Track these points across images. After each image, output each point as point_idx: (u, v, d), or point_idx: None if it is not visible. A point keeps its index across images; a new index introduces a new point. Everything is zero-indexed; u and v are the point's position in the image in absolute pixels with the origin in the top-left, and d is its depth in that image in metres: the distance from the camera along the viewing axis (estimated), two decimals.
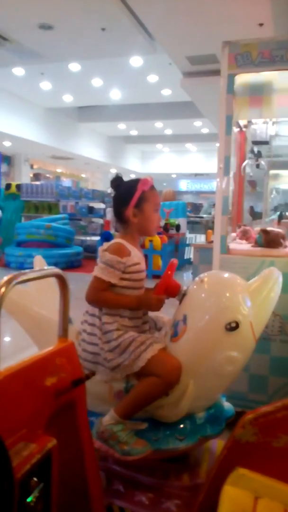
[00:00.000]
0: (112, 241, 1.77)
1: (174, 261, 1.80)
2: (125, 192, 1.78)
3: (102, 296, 1.71)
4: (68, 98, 12.20)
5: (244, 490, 1.17)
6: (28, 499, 1.02)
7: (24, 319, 1.93)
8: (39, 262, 2.10)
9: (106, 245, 1.75)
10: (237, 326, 1.56)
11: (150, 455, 1.61)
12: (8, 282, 1.10)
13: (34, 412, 1.18)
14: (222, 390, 1.76)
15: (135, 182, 1.78)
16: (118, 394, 1.71)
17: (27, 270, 1.24)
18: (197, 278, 1.75)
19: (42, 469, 1.08)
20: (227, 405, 1.84)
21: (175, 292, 1.74)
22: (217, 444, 1.97)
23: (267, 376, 2.44)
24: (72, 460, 1.41)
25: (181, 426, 1.67)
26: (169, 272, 1.74)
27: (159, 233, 8.04)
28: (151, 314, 1.88)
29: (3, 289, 1.08)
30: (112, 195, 1.85)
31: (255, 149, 3.42)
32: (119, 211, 1.80)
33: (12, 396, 1.11)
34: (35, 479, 1.04)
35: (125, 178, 1.86)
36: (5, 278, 1.11)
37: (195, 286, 1.72)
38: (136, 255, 1.76)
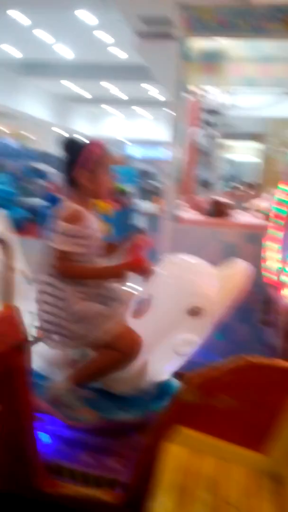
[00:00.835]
0: (66, 207, 1.72)
1: (148, 239, 1.79)
2: (75, 154, 1.72)
3: (73, 269, 1.68)
4: (10, 50, 11.45)
5: (183, 447, 1.23)
6: None
7: None
8: (1, 218, 2.01)
9: (60, 212, 1.70)
10: (199, 311, 1.61)
11: (97, 424, 1.65)
12: None
13: None
14: (174, 369, 1.82)
15: (85, 144, 1.73)
16: (73, 362, 1.73)
17: None
18: (166, 259, 1.77)
19: None
20: (173, 381, 1.90)
21: (144, 271, 1.74)
22: None
23: (209, 339, 2.53)
24: (12, 422, 1.42)
25: (131, 399, 1.72)
26: (140, 250, 1.73)
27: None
28: (116, 286, 1.86)
29: None
30: (63, 157, 1.78)
31: (208, 118, 3.42)
32: (70, 174, 1.74)
33: None
34: None
35: (75, 141, 1.80)
36: None
37: (164, 267, 1.75)
38: (92, 220, 1.73)
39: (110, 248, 1.85)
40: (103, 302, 1.76)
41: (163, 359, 1.70)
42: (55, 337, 1.69)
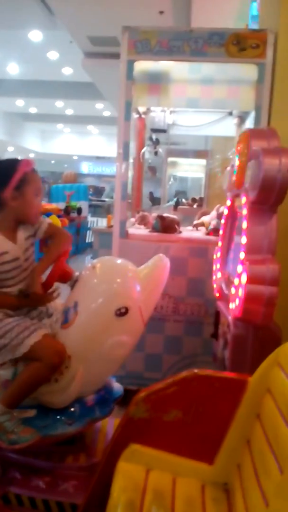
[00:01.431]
0: None
1: (67, 247, 1.77)
2: (4, 172, 1.64)
3: None
4: None
5: (137, 465, 1.24)
6: None
7: None
8: None
9: None
10: (126, 311, 1.61)
11: (38, 442, 1.59)
12: None
13: None
14: (111, 373, 1.81)
15: (15, 162, 1.66)
16: (5, 383, 1.66)
17: None
18: (89, 264, 1.77)
19: None
20: (116, 385, 1.89)
21: (67, 278, 1.74)
22: (114, 423, 2.03)
23: (161, 354, 2.56)
24: None
25: (70, 410, 1.68)
26: (62, 258, 1.72)
27: (59, 216, 7.89)
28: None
29: None
30: None
31: (154, 136, 3.50)
32: None
33: None
34: None
35: (24, 157, 1.75)
36: None
37: (87, 272, 1.74)
38: (3, 244, 1.65)
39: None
40: (26, 316, 1.71)
41: (98, 365, 1.68)
42: None
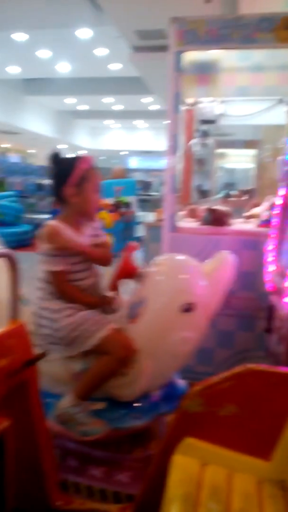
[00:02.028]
0: (45, 227, 1.71)
1: (133, 244, 1.80)
2: (65, 170, 1.70)
3: (67, 290, 1.70)
4: (13, 69, 11.67)
5: (192, 458, 1.24)
6: None
7: None
8: None
9: (40, 232, 1.71)
10: (192, 307, 1.62)
11: (107, 434, 1.65)
12: None
13: None
14: (177, 369, 1.82)
15: (75, 160, 1.71)
16: (77, 375, 1.73)
17: None
18: (154, 261, 1.79)
19: None
20: (180, 382, 1.91)
21: (133, 274, 1.76)
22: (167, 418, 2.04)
23: (213, 348, 2.54)
24: (26, 439, 1.42)
25: (137, 404, 1.73)
26: (128, 255, 1.75)
27: (109, 211, 7.99)
28: (108, 294, 1.87)
29: None
30: (50, 172, 1.75)
31: (203, 127, 3.46)
32: (58, 189, 1.72)
33: None
34: None
35: (75, 154, 1.80)
36: None
37: (152, 269, 1.76)
38: (70, 235, 1.71)
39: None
40: (95, 310, 1.77)
41: (164, 361, 1.70)
42: (53, 348, 1.71)
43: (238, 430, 1.25)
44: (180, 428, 1.29)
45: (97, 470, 1.74)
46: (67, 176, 1.68)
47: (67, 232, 1.70)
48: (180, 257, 1.82)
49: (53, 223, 1.71)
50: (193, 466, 1.22)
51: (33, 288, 1.94)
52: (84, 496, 1.66)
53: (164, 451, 1.29)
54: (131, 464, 1.75)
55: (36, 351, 1.65)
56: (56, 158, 1.74)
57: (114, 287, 1.76)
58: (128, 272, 1.75)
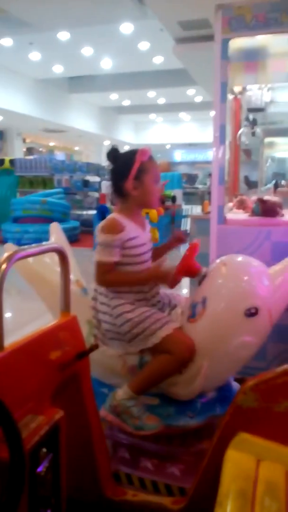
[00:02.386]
0: (107, 218, 1.73)
1: (196, 242, 1.76)
2: (124, 165, 1.72)
3: (111, 278, 1.70)
4: (58, 69, 11.91)
5: (246, 454, 1.21)
6: (38, 469, 1.06)
7: (42, 286, 1.93)
8: (55, 230, 2.08)
9: (101, 223, 1.72)
10: (256, 312, 1.58)
11: (161, 431, 1.65)
12: (9, 258, 1.10)
13: (40, 385, 1.20)
14: (234, 372, 1.79)
15: (133, 153, 1.72)
16: (132, 369, 1.74)
17: (26, 246, 1.24)
18: (218, 261, 1.76)
19: (51, 439, 1.11)
20: (235, 385, 1.88)
21: (195, 273, 1.73)
22: None
23: (267, 343, 2.47)
24: (79, 430, 1.45)
25: (193, 404, 1.71)
26: (189, 253, 1.72)
27: None
28: (167, 290, 1.86)
29: (4, 266, 1.08)
30: (109, 168, 1.79)
31: (251, 116, 3.37)
32: (118, 184, 1.74)
33: (17, 370, 1.13)
34: (44, 449, 1.08)
35: (120, 150, 1.82)
36: (6, 255, 1.11)
37: (216, 269, 1.72)
38: (132, 229, 1.72)
39: (156, 253, 1.85)
40: (151, 304, 1.77)
41: (222, 362, 1.67)
42: (113, 343, 1.72)
43: None
44: (234, 423, 1.26)
45: (149, 462, 1.75)
46: (126, 170, 1.70)
47: (131, 227, 1.71)
48: (246, 258, 1.77)
49: (115, 215, 1.72)
50: (247, 462, 1.19)
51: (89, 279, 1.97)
52: (137, 487, 1.67)
53: (218, 446, 1.27)
54: (184, 457, 1.74)
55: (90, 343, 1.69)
56: (114, 154, 1.76)
57: (174, 284, 1.74)
58: (190, 271, 1.72)
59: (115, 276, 1.70)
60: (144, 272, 1.74)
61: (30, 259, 1.87)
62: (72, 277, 1.83)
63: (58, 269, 1.91)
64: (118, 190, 1.75)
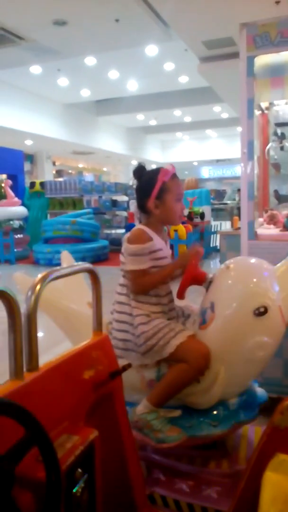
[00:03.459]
0: (133, 229, 1.78)
1: (199, 249, 1.79)
2: (146, 184, 1.77)
3: (145, 282, 1.73)
4: (85, 93, 12.22)
5: (285, 476, 1.17)
6: (74, 490, 1.06)
7: (55, 313, 1.97)
8: (66, 257, 2.13)
9: (127, 235, 1.76)
10: (265, 311, 1.56)
11: (184, 442, 1.63)
12: (43, 279, 1.12)
13: (74, 405, 1.21)
14: (254, 376, 1.76)
15: (155, 173, 1.76)
16: (150, 383, 1.73)
17: (59, 267, 1.26)
18: (223, 265, 1.76)
19: (86, 460, 1.10)
20: (259, 390, 1.84)
21: (201, 280, 1.74)
22: (255, 431, 1.97)
23: None
24: (113, 450, 1.44)
25: (215, 412, 1.69)
26: (194, 261, 1.73)
27: (183, 222, 8.00)
28: (179, 302, 1.88)
29: (38, 286, 1.10)
30: (135, 186, 1.84)
31: (279, 131, 3.35)
32: (141, 202, 1.79)
33: (52, 390, 1.14)
34: (79, 470, 1.07)
35: (146, 168, 1.85)
36: (40, 276, 1.13)
37: (221, 273, 1.73)
38: (158, 242, 1.76)
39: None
40: (167, 315, 1.78)
41: (239, 367, 1.64)
42: (129, 354, 1.73)
43: None
44: (272, 444, 1.23)
45: (185, 484, 1.71)
46: (149, 189, 1.75)
47: (156, 239, 1.75)
48: (250, 259, 1.77)
49: (140, 226, 1.77)
50: (286, 484, 1.15)
51: (108, 301, 1.99)
52: (172, 510, 1.64)
53: (256, 468, 1.24)
54: (219, 479, 1.70)
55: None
56: (140, 171, 1.82)
57: (182, 294, 1.74)
58: (196, 278, 1.73)
59: (148, 278, 1.73)
60: (168, 265, 1.77)
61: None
62: (84, 299, 1.86)
63: (71, 294, 1.94)
64: (142, 207, 1.80)
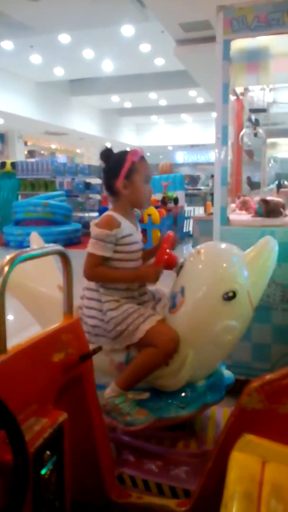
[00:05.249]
0: (103, 214, 1.77)
1: (170, 233, 1.79)
2: (115, 164, 1.75)
3: (99, 272, 1.72)
4: (59, 71, 11.94)
5: (252, 456, 1.20)
6: (42, 472, 1.05)
7: (24, 297, 1.94)
8: (36, 239, 2.09)
9: (97, 219, 1.75)
10: (234, 295, 1.58)
11: (152, 424, 1.65)
12: (11, 260, 1.10)
13: (44, 388, 1.20)
14: (221, 359, 1.79)
15: (124, 153, 1.75)
16: (119, 366, 1.74)
17: (29, 248, 1.23)
18: (193, 250, 1.76)
19: (55, 442, 1.10)
20: (227, 373, 1.88)
21: (172, 264, 1.75)
22: (222, 412, 2.01)
23: (270, 344, 2.47)
24: (83, 433, 1.44)
25: (182, 394, 1.71)
26: (165, 245, 1.74)
27: (157, 207, 7.99)
28: (151, 286, 1.89)
29: (6, 268, 1.08)
30: (102, 167, 1.82)
31: (253, 117, 3.36)
32: (109, 183, 1.78)
33: (20, 372, 1.12)
34: (48, 452, 1.07)
35: (114, 150, 1.84)
36: (8, 257, 1.10)
37: (192, 258, 1.74)
38: (127, 227, 1.75)
39: (146, 254, 1.87)
40: (137, 300, 1.78)
41: (207, 350, 1.67)
42: (99, 340, 1.73)
43: None
44: (239, 424, 1.25)
45: (153, 465, 1.74)
46: (118, 169, 1.73)
47: (125, 224, 1.73)
48: (221, 244, 1.78)
49: (110, 212, 1.75)
50: (253, 463, 1.18)
51: (80, 285, 1.97)
52: (141, 490, 1.66)
53: (223, 448, 1.26)
54: (188, 459, 1.73)
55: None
56: (107, 153, 1.80)
57: (156, 279, 1.75)
58: (167, 263, 1.73)
59: (103, 270, 1.72)
60: (132, 271, 1.75)
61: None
62: (54, 282, 1.83)
63: (41, 277, 1.91)
64: (110, 188, 1.78)
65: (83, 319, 1.77)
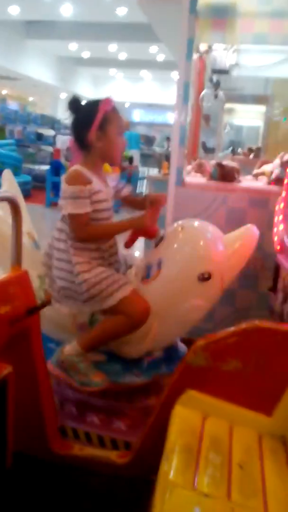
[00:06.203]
0: (70, 170, 1.66)
1: (164, 195, 1.73)
2: (86, 114, 1.63)
3: (91, 231, 1.64)
4: (14, 10, 11.07)
5: (193, 410, 1.25)
6: None
7: None
8: (8, 178, 1.97)
9: (65, 176, 1.65)
10: (209, 277, 1.59)
11: (106, 388, 1.67)
12: None
13: None
14: (182, 334, 1.83)
15: (95, 103, 1.64)
16: (81, 326, 1.74)
17: None
18: (175, 224, 1.75)
19: None
20: (181, 346, 1.92)
21: (153, 235, 1.72)
22: None
23: (214, 306, 2.53)
24: (27, 385, 1.43)
25: (139, 362, 1.74)
26: (150, 213, 1.68)
27: (111, 164, 7.84)
28: (124, 250, 1.83)
29: None
30: (70, 119, 1.69)
31: (214, 78, 3.30)
32: (80, 135, 1.65)
33: None
34: None
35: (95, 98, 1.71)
36: None
37: (174, 233, 1.73)
38: (97, 183, 1.65)
39: (130, 202, 1.82)
40: (108, 263, 1.74)
41: (171, 324, 1.70)
42: (67, 301, 1.70)
43: (241, 385, 1.25)
44: (183, 381, 1.29)
45: (96, 417, 1.77)
46: (90, 120, 1.62)
47: (94, 179, 1.64)
48: (204, 224, 1.77)
49: (77, 167, 1.64)
50: (194, 418, 1.23)
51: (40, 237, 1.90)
52: (83, 442, 1.70)
53: (166, 402, 1.30)
54: (130, 412, 1.78)
55: (41, 298, 1.65)
56: (76, 103, 1.67)
57: (130, 244, 1.72)
58: (148, 232, 1.70)
59: (95, 228, 1.65)
60: (125, 220, 1.69)
61: None
62: (23, 228, 1.76)
63: (8, 219, 1.83)
64: (80, 141, 1.67)
65: (50, 278, 1.72)
